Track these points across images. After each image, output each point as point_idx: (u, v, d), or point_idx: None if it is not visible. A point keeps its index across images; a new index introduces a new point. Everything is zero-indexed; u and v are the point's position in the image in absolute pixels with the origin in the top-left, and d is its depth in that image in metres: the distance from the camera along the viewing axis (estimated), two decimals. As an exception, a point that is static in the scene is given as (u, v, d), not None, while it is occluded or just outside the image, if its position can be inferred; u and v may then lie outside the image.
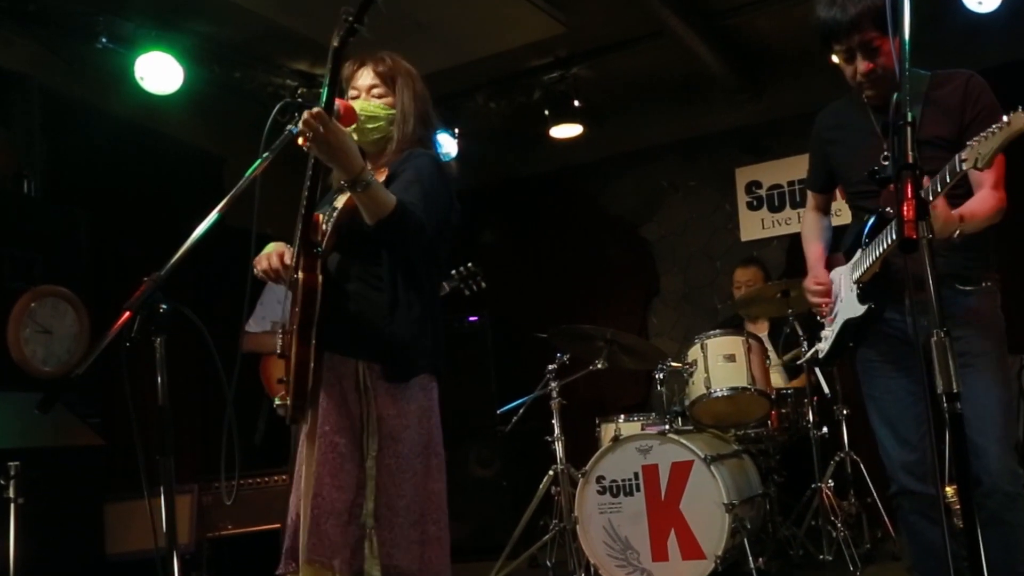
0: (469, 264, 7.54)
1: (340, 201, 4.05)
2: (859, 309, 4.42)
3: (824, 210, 5.03)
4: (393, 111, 4.23)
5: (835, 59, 4.46)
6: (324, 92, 3.62)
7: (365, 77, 4.28)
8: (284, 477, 7.52)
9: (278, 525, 7.19)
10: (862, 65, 4.32)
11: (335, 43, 3.58)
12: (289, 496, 4.14)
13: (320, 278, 3.87)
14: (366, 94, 4.25)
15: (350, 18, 3.55)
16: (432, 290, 4.14)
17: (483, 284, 7.58)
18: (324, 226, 4.02)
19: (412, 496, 3.95)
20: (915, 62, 3.13)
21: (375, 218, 3.74)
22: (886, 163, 3.16)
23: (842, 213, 5.41)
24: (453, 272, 7.44)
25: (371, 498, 3.87)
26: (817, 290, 4.67)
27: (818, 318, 4.81)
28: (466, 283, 7.53)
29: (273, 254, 4.09)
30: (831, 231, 4.98)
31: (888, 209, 4.19)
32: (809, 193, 5.09)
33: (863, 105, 4.49)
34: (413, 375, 3.99)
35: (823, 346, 4.74)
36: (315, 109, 3.56)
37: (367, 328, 3.96)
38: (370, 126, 4.18)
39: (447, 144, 9.96)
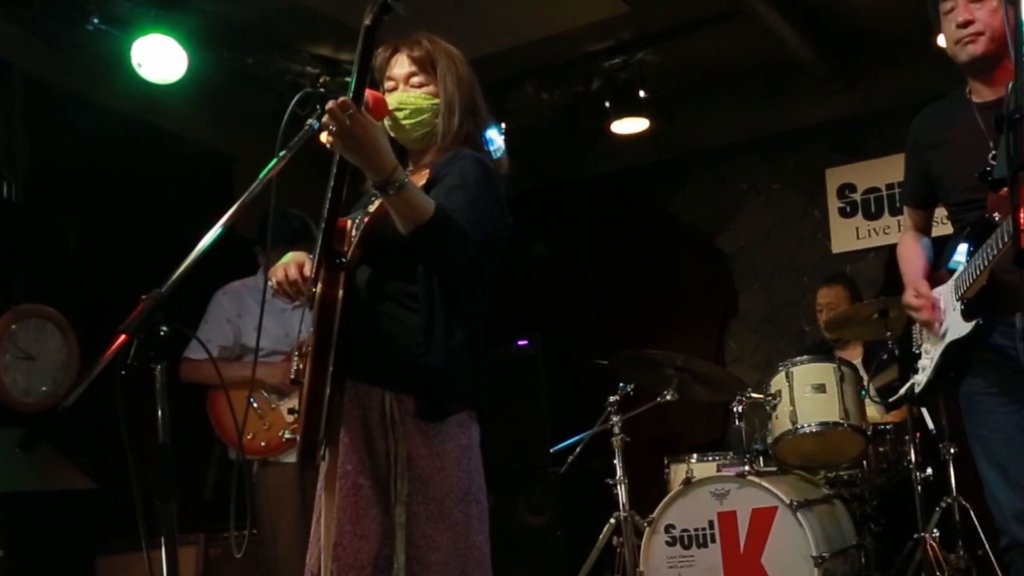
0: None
1: (375, 206, 4.01)
2: (965, 327, 4.37)
3: (924, 229, 5.01)
4: (437, 100, 4.18)
5: (941, 41, 4.46)
6: (353, 79, 3.58)
7: (401, 65, 4.24)
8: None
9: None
10: (963, 13, 4.30)
11: (367, 21, 3.53)
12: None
13: (340, 294, 3.81)
14: (404, 84, 4.21)
15: None
16: (476, 314, 4.07)
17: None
18: (352, 233, 4.00)
19: (449, 550, 3.89)
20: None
21: (411, 225, 3.66)
22: (995, 163, 3.14)
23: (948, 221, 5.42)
24: None
25: (401, 551, 3.84)
26: (918, 303, 4.58)
27: (914, 349, 4.78)
28: None
29: (291, 264, 4.04)
30: (932, 250, 4.90)
31: (995, 215, 4.15)
32: (906, 210, 5.07)
33: (967, 103, 4.48)
34: (449, 414, 3.93)
35: (920, 378, 4.71)
36: (342, 98, 3.50)
37: (398, 355, 3.91)
38: (413, 120, 4.14)
39: (496, 139, 9.93)
